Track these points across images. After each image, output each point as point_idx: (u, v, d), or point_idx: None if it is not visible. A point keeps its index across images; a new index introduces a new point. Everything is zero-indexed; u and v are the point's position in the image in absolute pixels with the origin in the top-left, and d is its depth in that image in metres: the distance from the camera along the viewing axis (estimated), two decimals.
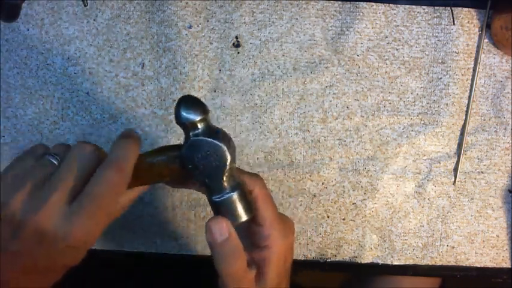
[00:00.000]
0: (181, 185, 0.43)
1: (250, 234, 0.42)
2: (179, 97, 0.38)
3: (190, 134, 0.38)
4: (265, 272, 0.41)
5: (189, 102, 0.38)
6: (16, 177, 0.37)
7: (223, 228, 0.38)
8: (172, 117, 0.55)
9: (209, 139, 0.38)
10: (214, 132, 0.38)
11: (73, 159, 0.37)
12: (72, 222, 0.36)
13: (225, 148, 0.38)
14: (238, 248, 0.39)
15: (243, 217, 0.39)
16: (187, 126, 0.38)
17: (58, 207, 0.36)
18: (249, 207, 0.40)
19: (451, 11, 0.55)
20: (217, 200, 0.39)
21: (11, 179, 0.37)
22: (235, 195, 0.39)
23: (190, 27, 0.55)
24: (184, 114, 0.37)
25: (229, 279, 0.40)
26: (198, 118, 0.37)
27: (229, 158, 0.38)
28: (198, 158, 0.38)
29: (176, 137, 0.56)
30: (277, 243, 0.41)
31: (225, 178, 0.38)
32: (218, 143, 0.38)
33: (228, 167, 0.38)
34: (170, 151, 0.39)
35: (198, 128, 0.38)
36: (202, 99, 0.55)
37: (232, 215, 0.39)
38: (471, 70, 0.56)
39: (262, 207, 0.41)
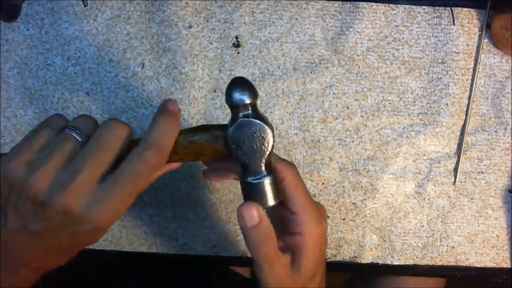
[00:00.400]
0: (216, 163, 0.43)
1: (284, 221, 0.42)
2: (232, 78, 0.39)
3: (240, 114, 0.39)
4: (300, 258, 0.40)
5: (243, 84, 0.39)
6: (36, 152, 0.35)
7: (254, 214, 0.38)
8: None
9: (258, 121, 0.39)
10: (261, 115, 0.40)
11: (104, 136, 0.36)
12: (102, 202, 0.34)
13: (271, 131, 0.39)
14: (269, 232, 0.39)
15: (273, 201, 0.40)
16: (238, 107, 0.39)
17: (87, 187, 0.34)
18: (279, 192, 0.41)
19: (451, 11, 0.55)
20: (253, 181, 0.40)
21: (30, 155, 0.35)
22: (269, 179, 0.40)
23: (190, 27, 0.55)
24: (237, 95, 0.38)
25: (261, 262, 0.39)
26: (249, 101, 0.39)
27: (272, 141, 0.39)
28: (243, 139, 0.39)
29: None
30: (311, 230, 0.40)
31: (264, 161, 0.40)
32: (266, 125, 0.39)
33: (270, 150, 0.39)
34: (214, 130, 0.40)
35: (248, 110, 0.39)
36: (202, 100, 0.55)
37: (263, 198, 0.40)
38: (471, 70, 0.56)
39: (295, 195, 0.41)
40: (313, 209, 0.41)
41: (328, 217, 0.57)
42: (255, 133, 0.39)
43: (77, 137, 0.36)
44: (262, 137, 0.39)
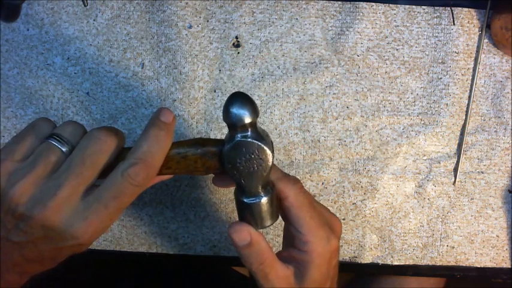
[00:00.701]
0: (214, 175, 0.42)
1: (290, 236, 0.40)
2: (230, 93, 0.36)
3: (239, 135, 0.36)
4: (304, 274, 0.39)
5: (242, 101, 0.36)
6: (18, 162, 0.34)
7: (242, 236, 0.37)
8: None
9: (257, 142, 0.36)
10: (263, 135, 0.37)
11: (88, 147, 0.34)
12: (86, 220, 0.33)
13: (271, 152, 0.37)
14: (262, 251, 0.38)
15: (269, 221, 0.39)
16: (236, 126, 0.36)
17: (69, 202, 0.33)
18: (275, 212, 0.39)
19: (451, 11, 0.55)
20: (249, 202, 0.38)
21: (12, 165, 0.34)
22: (266, 199, 0.38)
23: (190, 27, 0.55)
24: (236, 114, 0.35)
25: (257, 276, 0.39)
26: (249, 120, 0.36)
27: (271, 162, 0.37)
28: (240, 160, 0.36)
29: (176, 137, 0.56)
30: (317, 250, 0.39)
31: (262, 183, 0.37)
32: (266, 148, 0.36)
33: (268, 172, 0.37)
34: (209, 145, 0.37)
35: (247, 130, 0.36)
36: (202, 100, 0.55)
37: (258, 219, 0.39)
38: (471, 70, 0.56)
39: (299, 215, 0.39)
40: (319, 228, 0.39)
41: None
42: (253, 155, 0.36)
43: (61, 148, 0.34)
44: (261, 159, 0.36)
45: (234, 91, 0.55)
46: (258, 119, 0.36)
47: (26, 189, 0.33)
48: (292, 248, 0.40)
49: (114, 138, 0.35)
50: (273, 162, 0.37)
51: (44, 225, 0.33)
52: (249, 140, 0.36)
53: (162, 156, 0.35)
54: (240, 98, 0.36)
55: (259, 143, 0.36)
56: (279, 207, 0.40)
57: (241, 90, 0.55)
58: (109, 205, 0.34)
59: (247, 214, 0.39)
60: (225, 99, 0.55)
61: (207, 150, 0.37)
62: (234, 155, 0.36)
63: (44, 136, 0.35)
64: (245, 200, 0.38)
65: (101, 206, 0.33)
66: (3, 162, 0.33)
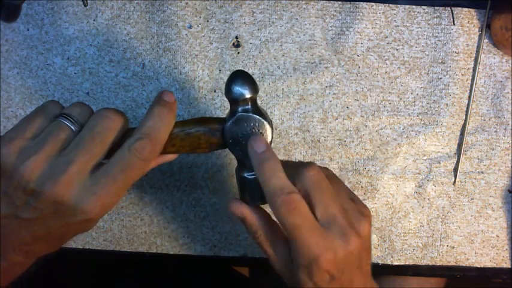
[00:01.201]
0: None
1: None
2: (233, 71, 0.39)
3: (240, 109, 0.38)
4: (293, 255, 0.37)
5: (243, 77, 0.38)
6: (28, 140, 0.35)
7: (262, 143, 0.38)
8: None
9: (257, 116, 0.38)
10: (261, 110, 0.39)
11: (97, 125, 0.35)
12: (95, 194, 0.34)
13: (270, 127, 0.39)
14: (253, 225, 0.39)
15: (265, 199, 0.39)
16: (237, 101, 0.38)
17: (79, 177, 0.34)
18: None
19: (451, 11, 0.55)
20: (249, 177, 0.39)
21: (22, 142, 0.34)
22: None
23: (190, 27, 0.55)
24: (237, 89, 0.38)
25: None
26: (249, 95, 0.38)
27: (271, 137, 0.39)
28: (242, 134, 0.38)
29: None
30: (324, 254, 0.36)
31: None
32: (265, 121, 0.38)
33: None
34: (212, 123, 0.39)
35: (248, 104, 0.38)
36: (202, 99, 0.55)
37: (257, 194, 0.39)
38: (471, 70, 0.56)
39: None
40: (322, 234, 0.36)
41: None
42: (254, 128, 0.38)
43: (71, 126, 0.35)
44: (261, 133, 0.38)
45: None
46: None
47: (36, 166, 0.33)
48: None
49: (121, 117, 0.36)
50: (272, 137, 0.39)
51: (54, 200, 0.33)
52: (250, 114, 0.38)
53: (166, 131, 0.37)
54: (241, 75, 0.39)
55: (259, 117, 0.38)
56: None
57: None
58: (117, 179, 0.34)
59: (248, 189, 0.40)
60: (225, 99, 0.55)
61: (210, 127, 0.39)
62: (236, 129, 0.38)
63: (53, 116, 0.36)
64: (246, 175, 0.40)
65: (109, 180, 0.34)
66: (13, 140, 0.34)
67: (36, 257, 0.37)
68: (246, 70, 0.55)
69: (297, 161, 0.39)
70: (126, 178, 0.35)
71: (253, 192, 0.40)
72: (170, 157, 0.40)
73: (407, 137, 0.56)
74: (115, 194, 0.35)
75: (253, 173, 0.39)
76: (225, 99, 0.55)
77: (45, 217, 0.34)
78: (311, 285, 0.37)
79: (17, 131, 0.35)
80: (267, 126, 0.39)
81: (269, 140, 0.39)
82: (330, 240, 0.35)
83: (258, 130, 0.38)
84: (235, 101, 0.38)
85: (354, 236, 0.36)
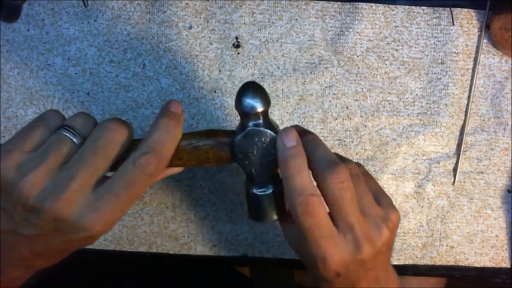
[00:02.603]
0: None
1: None
2: (244, 83, 0.37)
3: (250, 123, 0.36)
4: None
5: (255, 90, 0.36)
6: (28, 153, 0.33)
7: (290, 137, 0.36)
8: None
9: (269, 131, 0.36)
10: (273, 125, 0.37)
11: (100, 138, 0.34)
12: (97, 211, 0.33)
13: None
14: (303, 157, 0.36)
15: (275, 216, 0.38)
16: (248, 115, 0.36)
17: (81, 193, 0.32)
18: (283, 207, 0.39)
19: (451, 11, 0.55)
20: (259, 193, 0.38)
21: (21, 155, 0.33)
22: (275, 192, 0.38)
23: (190, 27, 0.55)
24: (249, 102, 0.36)
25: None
26: (261, 109, 0.36)
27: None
28: (252, 149, 0.36)
29: None
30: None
31: (272, 173, 0.37)
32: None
33: (276, 166, 0.37)
34: (220, 136, 0.37)
35: (259, 118, 0.36)
36: (202, 100, 0.55)
37: (267, 211, 0.38)
38: (470, 70, 0.56)
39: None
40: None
41: None
42: (265, 144, 0.36)
43: (73, 139, 0.34)
44: (272, 148, 0.36)
45: (231, 92, 0.55)
46: None
47: (37, 181, 0.32)
48: None
49: (125, 129, 0.35)
50: None
51: (55, 217, 0.32)
52: (261, 128, 0.36)
53: (173, 145, 0.35)
54: (252, 87, 0.36)
55: (271, 132, 0.36)
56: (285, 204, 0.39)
57: None
58: (120, 195, 0.33)
59: (258, 207, 0.38)
60: (225, 99, 0.55)
61: (219, 141, 0.37)
62: (246, 144, 0.37)
63: (54, 127, 0.35)
64: (255, 192, 0.38)
65: (112, 197, 0.33)
66: (12, 153, 0.33)
67: (35, 270, 0.36)
68: (246, 71, 0.56)
69: (330, 153, 0.37)
70: (130, 194, 0.34)
71: (263, 209, 0.38)
72: (176, 170, 0.39)
73: (406, 137, 0.56)
74: (118, 210, 0.34)
75: (264, 189, 0.37)
76: (225, 99, 0.56)
77: (46, 234, 0.33)
78: (318, 275, 0.36)
79: (15, 143, 0.33)
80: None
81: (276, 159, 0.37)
82: (341, 246, 0.35)
83: (270, 146, 0.36)
84: (246, 114, 0.36)
85: (368, 246, 0.35)
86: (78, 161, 0.33)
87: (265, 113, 0.37)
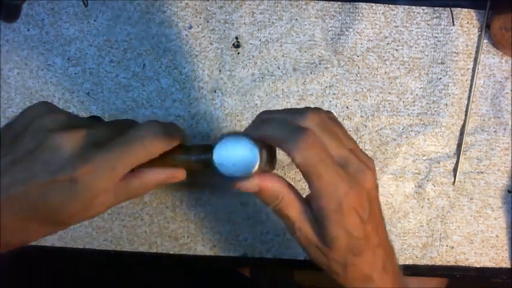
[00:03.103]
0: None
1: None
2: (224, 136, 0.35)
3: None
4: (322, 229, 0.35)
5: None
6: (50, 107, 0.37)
7: (251, 186, 0.36)
8: (173, 117, 0.56)
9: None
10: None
11: (117, 123, 0.38)
12: (89, 156, 0.34)
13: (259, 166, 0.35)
14: (275, 193, 0.36)
15: None
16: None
17: (85, 140, 0.34)
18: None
19: (451, 11, 0.55)
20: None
21: (54, 108, 0.37)
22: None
23: (190, 27, 0.55)
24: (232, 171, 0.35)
25: (288, 133, 0.34)
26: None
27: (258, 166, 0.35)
28: (228, 166, 0.35)
29: None
30: (340, 238, 0.35)
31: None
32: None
33: (256, 170, 0.35)
34: (197, 152, 0.38)
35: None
36: (202, 100, 0.55)
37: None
38: (471, 70, 0.56)
39: (308, 177, 0.34)
40: (338, 213, 0.34)
41: None
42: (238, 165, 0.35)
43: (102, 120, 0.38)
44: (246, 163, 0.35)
45: (231, 92, 0.55)
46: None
47: (56, 118, 0.35)
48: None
49: (163, 143, 0.36)
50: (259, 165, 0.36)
51: (52, 146, 0.33)
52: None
53: (175, 137, 0.37)
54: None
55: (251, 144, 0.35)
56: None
57: (241, 90, 0.55)
58: (113, 148, 0.34)
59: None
60: (225, 99, 0.55)
61: (209, 156, 0.36)
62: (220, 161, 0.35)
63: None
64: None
65: (106, 147, 0.34)
66: (45, 104, 0.37)
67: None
68: (246, 71, 0.55)
69: (283, 124, 0.36)
70: (122, 150, 0.34)
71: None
72: (178, 175, 0.39)
73: (406, 137, 0.56)
74: (108, 163, 0.34)
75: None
76: (225, 99, 0.56)
77: (32, 168, 0.33)
78: (344, 237, 0.34)
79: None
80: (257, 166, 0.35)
81: (256, 168, 0.35)
82: (350, 178, 0.34)
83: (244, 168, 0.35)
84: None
85: (370, 173, 0.35)
86: (91, 124, 0.36)
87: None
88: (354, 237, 0.35)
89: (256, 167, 0.35)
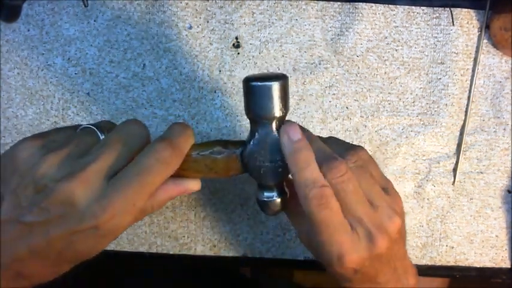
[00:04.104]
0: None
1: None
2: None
3: (261, 131, 0.34)
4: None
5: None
6: (51, 141, 0.33)
7: (297, 131, 0.35)
8: (173, 117, 0.56)
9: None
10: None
11: (124, 130, 0.34)
12: (108, 198, 0.31)
13: None
14: (310, 150, 0.35)
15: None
16: (260, 121, 0.34)
17: (96, 179, 0.32)
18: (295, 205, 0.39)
19: (451, 11, 0.55)
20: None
21: (45, 141, 0.33)
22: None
23: (190, 28, 0.55)
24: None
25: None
26: (278, 114, 0.33)
27: None
28: (261, 157, 0.35)
29: None
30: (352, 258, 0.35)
31: (280, 183, 0.37)
32: None
33: (287, 175, 0.36)
34: (230, 146, 0.36)
35: (272, 124, 0.34)
36: (202, 100, 0.56)
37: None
38: (470, 71, 0.56)
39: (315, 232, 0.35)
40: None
41: None
42: (276, 153, 0.35)
43: (98, 133, 0.34)
44: (283, 158, 0.35)
45: (231, 92, 0.55)
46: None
47: (55, 161, 0.32)
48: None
49: (146, 128, 0.35)
50: None
51: (65, 199, 0.31)
52: (274, 135, 0.34)
53: (187, 141, 0.35)
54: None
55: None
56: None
57: (242, 90, 0.55)
58: (132, 182, 0.32)
59: (268, 210, 0.38)
60: (225, 99, 0.55)
61: (228, 151, 0.36)
62: (256, 153, 0.35)
63: (82, 128, 0.36)
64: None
65: (123, 183, 0.32)
66: (36, 138, 0.33)
67: (24, 286, 0.34)
68: (246, 71, 0.55)
69: (325, 148, 0.37)
70: (141, 182, 0.32)
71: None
72: (192, 186, 0.38)
73: (406, 137, 0.56)
74: (129, 202, 0.32)
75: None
76: (225, 99, 0.56)
77: (49, 222, 0.31)
78: (336, 273, 0.36)
79: (42, 134, 0.34)
80: None
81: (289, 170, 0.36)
82: (356, 242, 0.35)
83: (281, 159, 0.35)
84: (256, 120, 0.34)
85: (382, 237, 0.35)
86: (99, 148, 0.33)
87: (281, 118, 0.34)
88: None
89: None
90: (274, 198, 0.37)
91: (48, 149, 0.32)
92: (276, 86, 0.32)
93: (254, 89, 0.33)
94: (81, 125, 0.36)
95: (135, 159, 0.33)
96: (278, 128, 0.34)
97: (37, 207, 0.31)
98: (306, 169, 0.34)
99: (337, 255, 0.34)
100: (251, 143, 0.35)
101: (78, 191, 0.31)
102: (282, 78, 0.33)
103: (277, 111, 0.33)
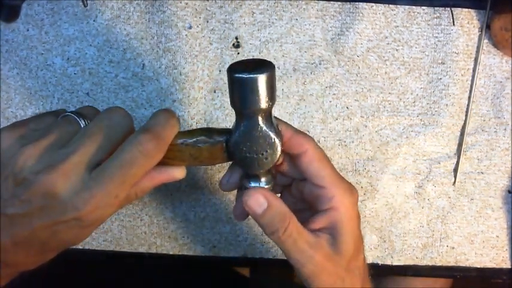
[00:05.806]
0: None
1: (313, 200, 0.38)
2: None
3: (246, 121, 0.33)
4: (338, 235, 0.36)
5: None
6: (32, 130, 0.32)
7: (260, 200, 0.35)
8: None
9: (270, 132, 0.34)
10: (273, 124, 0.35)
11: (107, 118, 0.33)
12: (88, 189, 0.31)
13: (280, 143, 0.34)
14: (284, 211, 0.36)
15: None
16: (245, 113, 0.33)
17: (77, 170, 0.31)
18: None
19: (451, 11, 0.55)
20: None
21: (25, 130, 0.32)
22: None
23: (190, 27, 0.55)
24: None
25: (287, 246, 0.36)
26: (264, 105, 0.32)
27: (279, 154, 0.35)
28: (246, 149, 0.34)
29: None
30: (344, 202, 0.37)
31: (266, 173, 0.36)
32: (277, 140, 0.34)
33: (275, 163, 0.35)
34: (215, 135, 0.36)
35: (258, 115, 0.33)
36: (202, 100, 0.55)
37: None
38: (471, 71, 0.56)
39: (320, 167, 0.37)
40: (341, 179, 0.38)
41: None
42: (261, 145, 0.34)
43: (79, 120, 0.33)
44: (268, 151, 0.34)
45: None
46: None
47: (35, 153, 0.31)
48: (317, 215, 0.37)
49: (129, 116, 0.34)
50: (280, 154, 0.35)
51: (45, 192, 0.30)
52: (261, 127, 0.34)
53: (171, 131, 0.34)
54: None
55: (271, 133, 0.34)
56: (303, 169, 0.38)
57: None
58: (114, 175, 0.31)
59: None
60: (225, 99, 0.55)
61: (214, 140, 0.36)
62: (241, 144, 0.34)
63: (63, 115, 0.34)
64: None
65: (106, 176, 0.31)
66: (16, 128, 0.32)
67: (9, 276, 0.34)
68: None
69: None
70: (124, 175, 0.32)
71: None
72: (177, 174, 0.37)
73: (407, 137, 0.56)
74: (111, 194, 0.32)
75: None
76: (225, 99, 0.55)
77: (31, 213, 0.31)
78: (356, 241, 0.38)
79: (22, 121, 0.33)
80: (277, 144, 0.34)
81: (277, 157, 0.35)
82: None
83: (267, 148, 0.34)
84: (242, 112, 0.34)
85: None
86: (81, 138, 0.32)
87: (266, 111, 0.34)
88: (355, 241, 0.38)
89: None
90: (261, 187, 0.37)
91: (27, 139, 0.32)
92: (261, 78, 0.31)
93: (239, 81, 0.32)
94: (63, 110, 0.35)
95: (118, 150, 0.32)
96: (264, 120, 0.34)
97: (18, 199, 0.31)
98: (287, 231, 0.36)
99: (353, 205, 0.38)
100: (236, 133, 0.34)
101: (59, 183, 0.30)
102: (268, 68, 0.32)
103: (263, 104, 0.32)
